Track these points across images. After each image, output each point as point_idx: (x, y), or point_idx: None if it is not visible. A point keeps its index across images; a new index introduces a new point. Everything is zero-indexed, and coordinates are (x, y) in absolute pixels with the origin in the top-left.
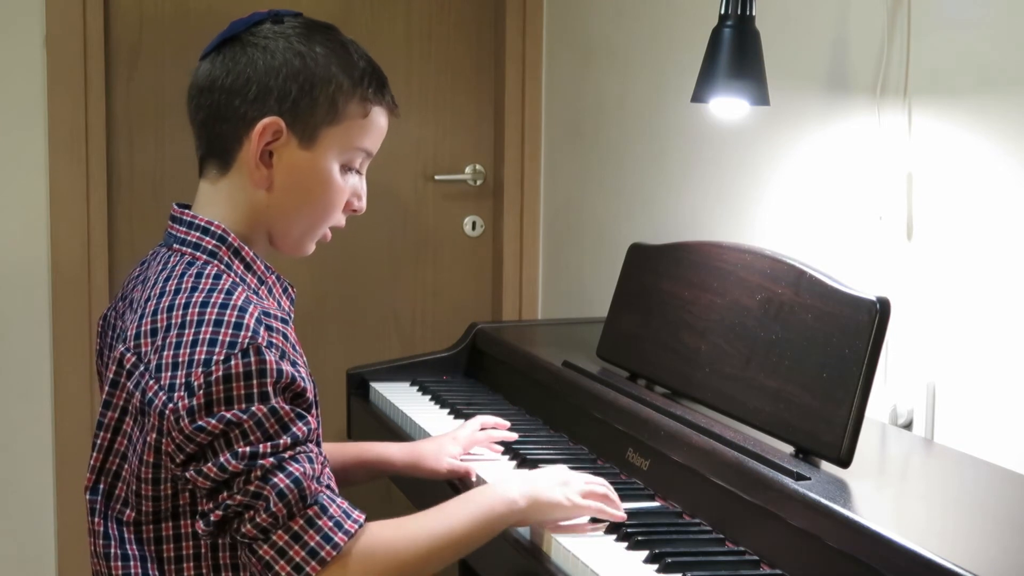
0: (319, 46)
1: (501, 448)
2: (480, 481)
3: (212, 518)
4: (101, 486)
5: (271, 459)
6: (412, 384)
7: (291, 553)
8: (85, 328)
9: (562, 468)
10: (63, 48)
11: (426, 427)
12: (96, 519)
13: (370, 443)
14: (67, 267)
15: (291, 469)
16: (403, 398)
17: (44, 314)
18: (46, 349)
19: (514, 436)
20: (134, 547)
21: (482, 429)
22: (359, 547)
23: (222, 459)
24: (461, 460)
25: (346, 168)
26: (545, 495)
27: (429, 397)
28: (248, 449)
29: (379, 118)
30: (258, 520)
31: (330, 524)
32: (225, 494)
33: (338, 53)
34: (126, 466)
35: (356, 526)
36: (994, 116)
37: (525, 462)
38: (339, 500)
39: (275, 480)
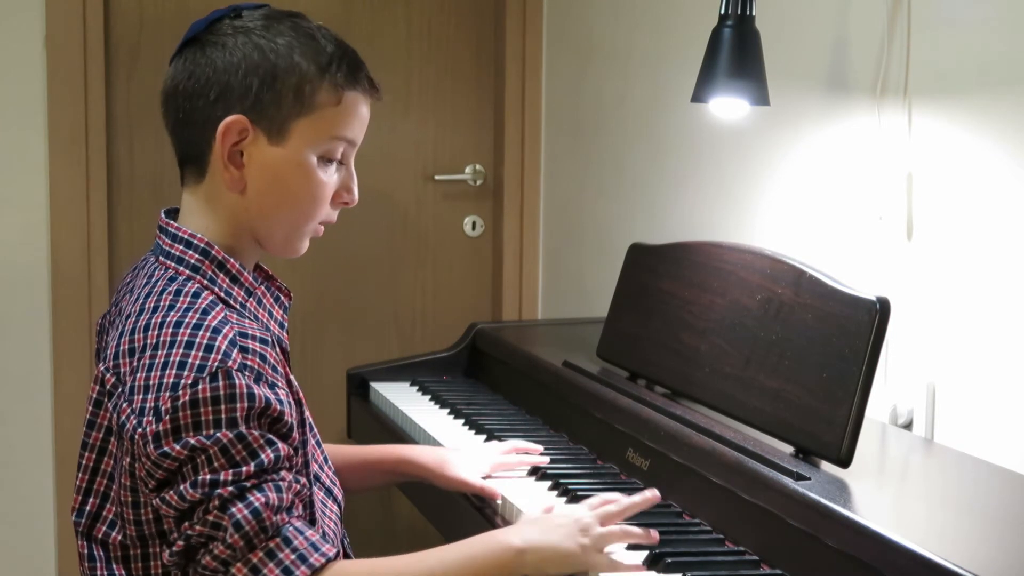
0: (281, 36)
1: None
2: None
3: (175, 548)
4: (87, 508)
5: (231, 488)
6: (412, 384)
7: None
8: (85, 328)
9: (582, 512)
10: (63, 48)
11: (426, 427)
12: (80, 541)
13: (389, 445)
14: (67, 267)
15: (251, 499)
16: (403, 398)
17: (44, 314)
18: (46, 349)
19: (545, 460)
20: (120, 567)
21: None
22: None
23: (182, 487)
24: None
25: (326, 160)
26: (557, 546)
27: (429, 397)
28: (209, 477)
29: (355, 104)
30: (217, 552)
31: (292, 557)
32: (186, 524)
33: (302, 41)
34: (114, 486)
35: (323, 560)
36: (994, 116)
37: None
38: (308, 532)
39: (233, 510)
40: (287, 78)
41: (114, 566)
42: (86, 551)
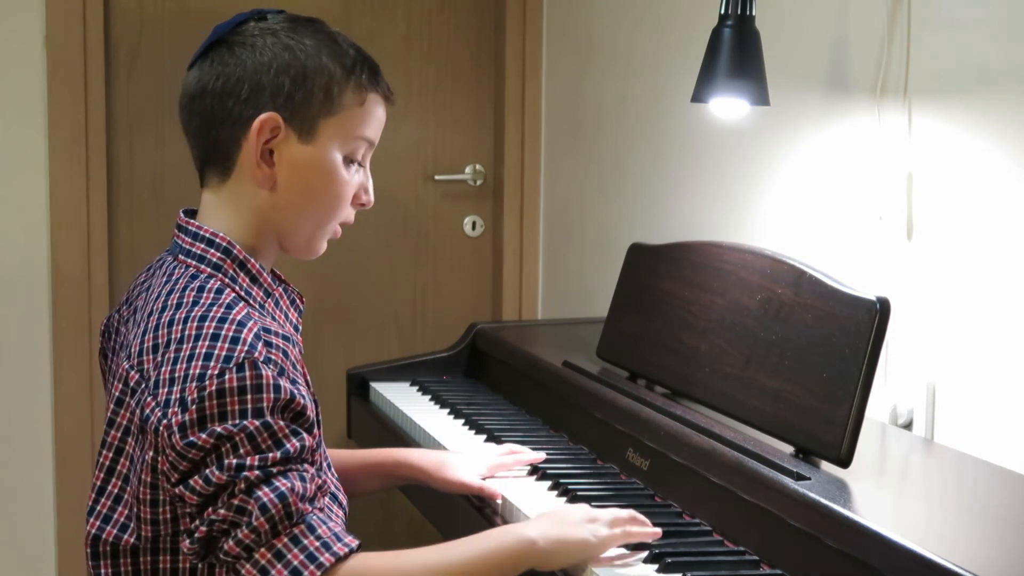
0: (307, 38)
1: (502, 496)
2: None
3: (197, 535)
4: (98, 507)
5: (258, 472)
6: (412, 384)
7: (273, 572)
8: (85, 328)
9: (587, 507)
10: (63, 48)
11: (426, 427)
12: (87, 541)
13: (387, 448)
14: (67, 267)
15: (277, 484)
16: (403, 398)
17: (44, 314)
18: (46, 349)
19: (541, 456)
20: (128, 567)
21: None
22: (345, 571)
23: (207, 471)
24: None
25: (349, 160)
26: (570, 535)
27: (429, 397)
28: (235, 461)
29: (376, 106)
30: (240, 536)
31: (317, 544)
32: (210, 509)
33: (327, 43)
34: (128, 488)
35: (346, 549)
36: (994, 116)
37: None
38: (331, 523)
39: (259, 494)
40: (317, 78)
41: (120, 566)
42: (90, 549)
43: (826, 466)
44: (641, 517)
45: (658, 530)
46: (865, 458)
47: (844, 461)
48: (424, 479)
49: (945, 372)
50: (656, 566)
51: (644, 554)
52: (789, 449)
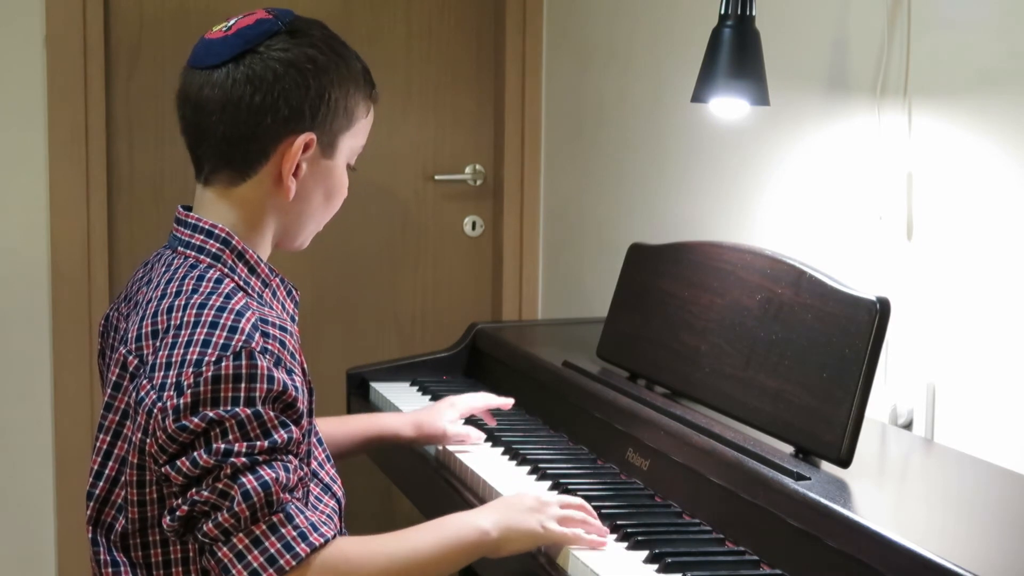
0: (332, 52)
1: (484, 435)
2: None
3: (178, 513)
4: (96, 491)
5: (244, 459)
6: (412, 384)
7: (249, 558)
8: (85, 328)
9: (539, 491)
10: (63, 48)
11: None
12: (88, 525)
13: (370, 416)
14: (67, 267)
15: (262, 472)
16: (403, 398)
17: (44, 314)
18: (46, 349)
19: (510, 402)
20: (121, 554)
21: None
22: (320, 560)
23: (195, 454)
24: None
25: (350, 167)
26: (519, 525)
27: (429, 397)
28: (223, 446)
29: (372, 115)
30: (220, 520)
31: (294, 534)
32: (194, 490)
33: (345, 57)
34: (126, 471)
35: (321, 540)
36: (994, 116)
37: (525, 461)
38: (309, 513)
39: (243, 480)
40: (344, 98)
41: (116, 553)
42: (91, 535)
43: (826, 466)
44: (593, 518)
45: (605, 540)
46: (865, 458)
47: (844, 461)
48: (410, 440)
49: (945, 372)
50: (656, 566)
51: (644, 554)
52: (789, 449)
